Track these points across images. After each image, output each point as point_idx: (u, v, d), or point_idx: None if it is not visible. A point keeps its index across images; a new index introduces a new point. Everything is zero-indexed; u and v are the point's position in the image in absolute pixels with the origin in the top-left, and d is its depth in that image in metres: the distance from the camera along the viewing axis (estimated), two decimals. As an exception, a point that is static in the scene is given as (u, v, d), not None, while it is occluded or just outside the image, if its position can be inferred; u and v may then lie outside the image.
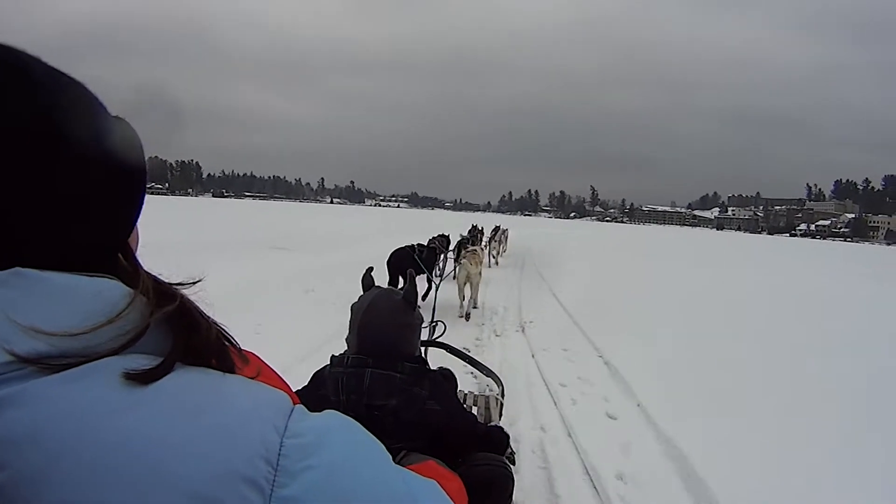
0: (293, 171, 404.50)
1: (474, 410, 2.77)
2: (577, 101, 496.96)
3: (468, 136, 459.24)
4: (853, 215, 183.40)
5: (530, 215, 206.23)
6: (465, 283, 7.39)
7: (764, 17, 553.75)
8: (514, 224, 22.98)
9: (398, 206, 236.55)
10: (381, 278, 1.72)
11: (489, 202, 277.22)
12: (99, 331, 0.43)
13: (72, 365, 0.41)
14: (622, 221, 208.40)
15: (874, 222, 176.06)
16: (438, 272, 8.50)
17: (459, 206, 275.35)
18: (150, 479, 0.38)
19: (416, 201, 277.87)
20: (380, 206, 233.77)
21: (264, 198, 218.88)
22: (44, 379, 0.39)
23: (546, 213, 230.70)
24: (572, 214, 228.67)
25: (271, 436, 0.43)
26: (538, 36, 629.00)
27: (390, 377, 1.52)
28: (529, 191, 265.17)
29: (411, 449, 1.47)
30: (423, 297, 7.38)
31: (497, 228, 16.03)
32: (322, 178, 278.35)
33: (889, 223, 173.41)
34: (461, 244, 9.77)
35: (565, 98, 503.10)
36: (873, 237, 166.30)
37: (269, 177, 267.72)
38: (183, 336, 0.47)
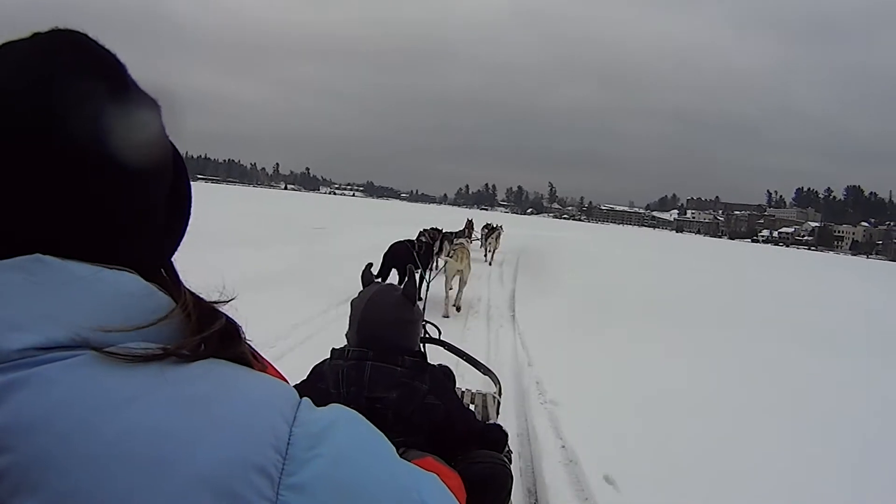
0: (248, 155, 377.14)
1: (472, 408, 2.60)
2: (530, 97, 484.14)
3: (424, 127, 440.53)
4: (816, 224, 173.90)
5: (487, 209, 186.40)
6: (453, 278, 6.95)
7: (716, 18, 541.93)
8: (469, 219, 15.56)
9: (353, 195, 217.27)
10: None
11: (445, 195, 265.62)
12: (133, 331, 0.42)
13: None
14: (580, 219, 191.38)
15: (839, 232, 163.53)
16: (434, 267, 7.75)
17: (416, 197, 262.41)
18: (161, 467, 0.36)
19: (371, 191, 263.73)
20: (334, 194, 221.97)
21: (217, 181, 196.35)
22: (54, 364, 0.38)
23: (503, 208, 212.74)
24: (529, 210, 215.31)
25: (281, 425, 0.42)
26: (489, 28, 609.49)
27: (391, 370, 1.46)
28: (487, 185, 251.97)
29: (410, 445, 1.41)
30: (418, 288, 5.74)
31: (489, 226, 14.61)
32: (277, 164, 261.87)
33: (854, 233, 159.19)
34: (445, 237, 8.54)
35: (519, 93, 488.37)
36: (838, 247, 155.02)
37: (224, 160, 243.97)
38: (214, 351, 0.46)
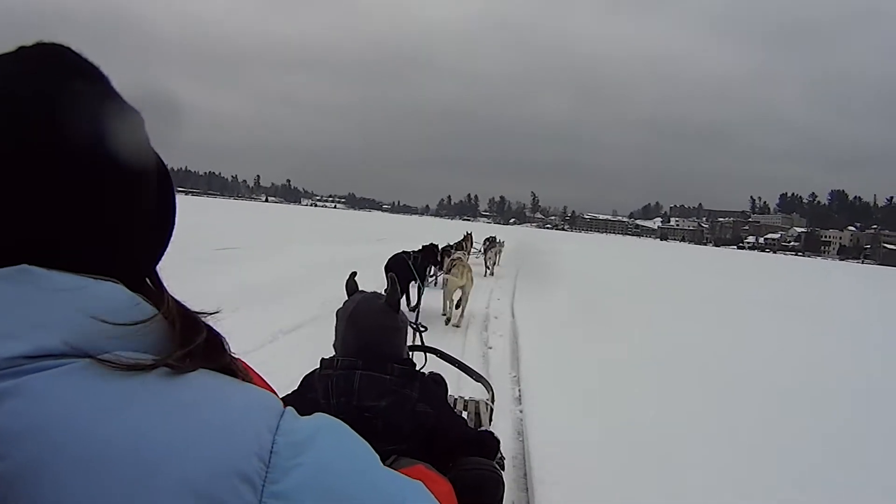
0: (229, 167, 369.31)
1: (464, 415, 2.57)
2: (510, 108, 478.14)
3: (405, 139, 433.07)
4: (802, 229, 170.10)
5: (469, 220, 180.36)
6: (454, 292, 6.84)
7: (690, 26, 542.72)
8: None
9: (335, 207, 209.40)
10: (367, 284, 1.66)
11: (428, 205, 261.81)
12: (116, 337, 0.42)
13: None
14: (563, 229, 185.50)
15: (826, 237, 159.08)
16: (430, 280, 7.87)
17: (398, 208, 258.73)
18: (147, 474, 0.37)
19: (353, 202, 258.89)
20: (316, 206, 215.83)
21: (197, 194, 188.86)
22: (44, 373, 0.37)
23: (485, 219, 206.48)
24: (512, 220, 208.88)
25: (264, 433, 0.42)
26: (464, 40, 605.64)
27: (381, 379, 1.45)
28: (469, 195, 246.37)
29: (402, 453, 1.41)
30: (416, 304, 6.90)
31: (491, 239, 14.82)
32: (258, 176, 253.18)
33: (841, 238, 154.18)
34: (444, 252, 8.44)
35: (498, 104, 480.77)
36: (826, 252, 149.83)
37: (204, 173, 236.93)
38: (199, 364, 0.45)
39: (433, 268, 7.96)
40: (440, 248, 8.45)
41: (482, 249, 13.91)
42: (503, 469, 1.61)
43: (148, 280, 0.52)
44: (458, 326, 6.60)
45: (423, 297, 6.04)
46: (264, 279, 8.43)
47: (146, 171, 0.50)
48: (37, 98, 0.43)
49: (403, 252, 7.16)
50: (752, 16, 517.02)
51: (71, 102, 0.44)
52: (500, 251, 14.85)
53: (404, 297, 6.90)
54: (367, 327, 1.50)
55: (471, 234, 14.11)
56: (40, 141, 0.42)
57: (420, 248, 7.62)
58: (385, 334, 1.51)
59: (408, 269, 6.75)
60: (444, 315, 6.77)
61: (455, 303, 6.89)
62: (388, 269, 6.64)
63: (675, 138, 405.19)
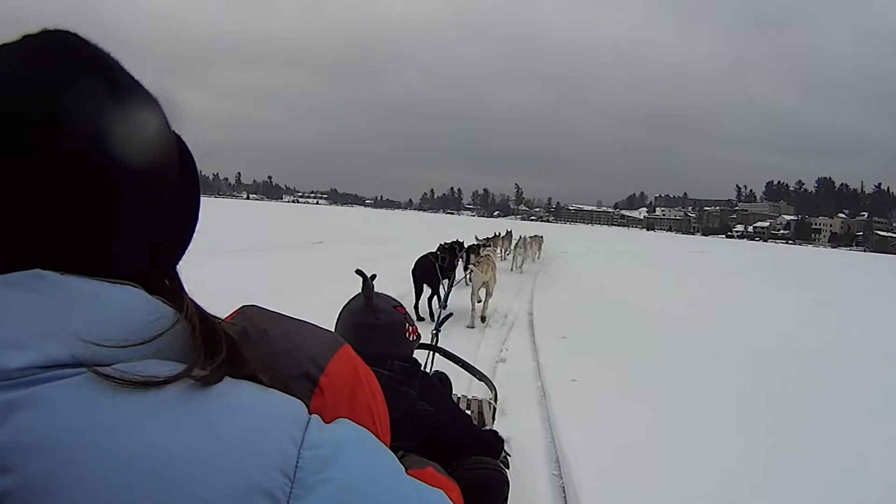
0: (209, 165, 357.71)
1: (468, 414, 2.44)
2: (489, 102, 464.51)
3: (385, 133, 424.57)
4: (791, 217, 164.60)
5: (453, 213, 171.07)
6: (479, 289, 6.78)
7: (662, 13, 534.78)
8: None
9: (317, 203, 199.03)
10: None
11: (410, 199, 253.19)
12: (134, 348, 0.39)
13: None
14: (548, 220, 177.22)
15: (816, 224, 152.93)
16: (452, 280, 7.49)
17: (381, 203, 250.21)
18: (166, 492, 0.35)
19: (335, 198, 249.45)
20: (298, 202, 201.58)
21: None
22: (56, 384, 0.35)
23: (469, 212, 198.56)
24: (496, 213, 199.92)
25: (289, 447, 0.40)
26: (441, 36, 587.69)
27: (378, 374, 1.48)
28: (452, 188, 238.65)
29: (407, 449, 1.39)
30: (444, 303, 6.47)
31: (526, 237, 14.56)
32: (239, 173, 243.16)
33: (831, 225, 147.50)
34: (470, 250, 8.27)
35: (478, 98, 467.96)
36: (816, 240, 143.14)
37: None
38: (223, 374, 0.42)
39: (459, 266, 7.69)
40: (467, 246, 8.40)
41: (514, 245, 13.62)
42: (508, 468, 1.60)
43: (167, 281, 0.50)
44: (483, 320, 6.56)
45: (446, 300, 5.26)
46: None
47: (163, 164, 0.47)
48: (42, 94, 0.39)
49: (430, 254, 6.94)
50: (728, 2, 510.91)
51: (78, 97, 0.40)
52: (541, 245, 15.19)
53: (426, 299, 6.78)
54: (346, 325, 1.51)
55: (510, 231, 14.70)
56: (45, 139, 0.39)
57: (439, 246, 7.37)
58: (358, 331, 1.48)
59: (434, 271, 6.67)
60: (474, 311, 6.67)
61: (482, 300, 6.84)
62: (415, 272, 6.66)
63: (656, 128, 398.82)
